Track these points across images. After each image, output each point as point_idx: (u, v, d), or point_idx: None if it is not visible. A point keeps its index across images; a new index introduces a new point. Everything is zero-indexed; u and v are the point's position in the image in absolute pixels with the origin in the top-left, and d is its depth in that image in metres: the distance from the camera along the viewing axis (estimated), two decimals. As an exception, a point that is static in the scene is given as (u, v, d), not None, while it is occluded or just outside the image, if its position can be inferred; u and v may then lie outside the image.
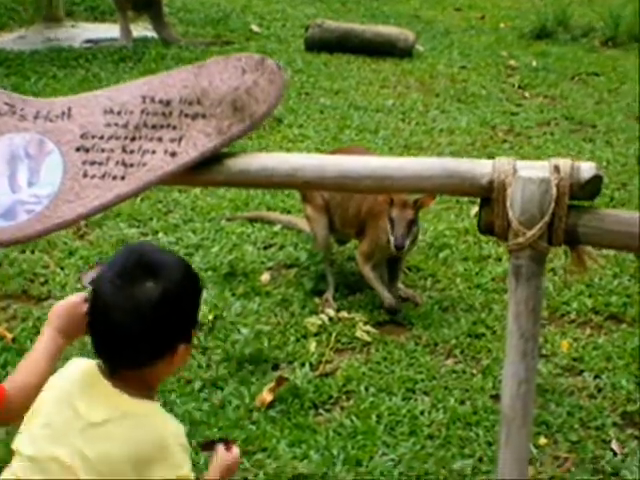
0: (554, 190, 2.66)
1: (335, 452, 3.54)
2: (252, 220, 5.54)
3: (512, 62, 9.01)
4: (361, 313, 4.55)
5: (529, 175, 2.66)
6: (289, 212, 5.65)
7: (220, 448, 2.47)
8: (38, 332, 3.66)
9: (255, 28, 9.93)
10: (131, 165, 2.85)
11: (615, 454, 3.59)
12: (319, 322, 4.43)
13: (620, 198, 5.97)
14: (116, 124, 2.92)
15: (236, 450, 2.48)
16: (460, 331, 4.43)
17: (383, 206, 4.32)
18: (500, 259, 5.13)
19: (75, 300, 2.43)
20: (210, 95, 2.90)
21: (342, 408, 3.88)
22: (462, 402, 3.91)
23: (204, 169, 2.85)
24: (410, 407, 3.85)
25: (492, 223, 2.78)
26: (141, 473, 2.07)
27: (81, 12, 10.46)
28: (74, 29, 9.79)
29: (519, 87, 8.38)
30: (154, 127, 2.91)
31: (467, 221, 5.61)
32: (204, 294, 4.65)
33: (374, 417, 3.77)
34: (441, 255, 5.18)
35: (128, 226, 5.44)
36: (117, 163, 2.86)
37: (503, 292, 4.73)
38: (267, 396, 3.85)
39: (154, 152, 2.85)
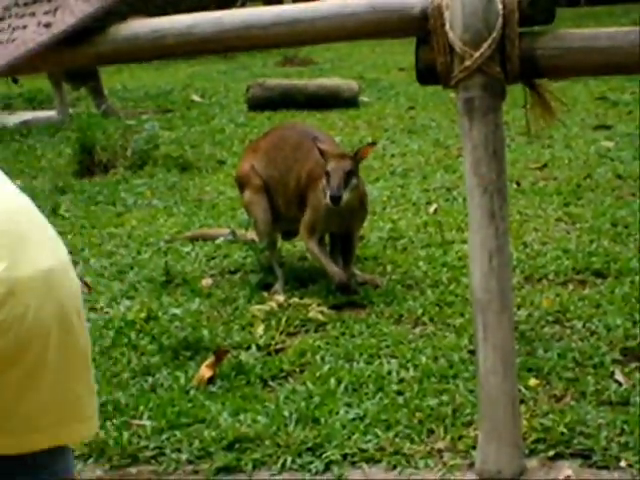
0: (499, 3, 2.22)
1: (287, 414, 2.95)
2: (193, 240, 5.04)
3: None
4: (315, 299, 4.01)
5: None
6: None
7: None
8: None
9: (196, 98, 9.66)
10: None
11: (620, 385, 3.04)
12: (267, 308, 3.89)
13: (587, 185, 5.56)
14: (-18, 8, 2.48)
15: None
16: (427, 301, 3.90)
17: (321, 168, 3.86)
18: (465, 242, 4.63)
19: None
20: (87, -40, 2.47)
21: (295, 380, 3.30)
22: (435, 359, 3.35)
23: (85, 43, 2.41)
24: (374, 369, 3.28)
25: (432, 63, 2.33)
26: None
27: (19, 104, 10.18)
28: (10, 116, 9.45)
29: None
30: (26, 4, 2.47)
31: (426, 217, 5.15)
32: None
33: (333, 381, 3.20)
34: (399, 244, 4.69)
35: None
36: (-19, 44, 2.41)
37: (472, 268, 4.22)
38: (205, 372, 3.27)
39: (25, 27, 2.41)
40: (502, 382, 2.45)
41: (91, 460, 2.83)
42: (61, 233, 5.17)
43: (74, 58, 2.43)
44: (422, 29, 2.29)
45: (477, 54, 2.19)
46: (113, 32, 2.38)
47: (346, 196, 3.77)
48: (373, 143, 4.11)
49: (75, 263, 4.83)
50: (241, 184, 4.34)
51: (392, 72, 11.16)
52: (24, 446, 1.90)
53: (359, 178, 3.90)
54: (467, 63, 2.20)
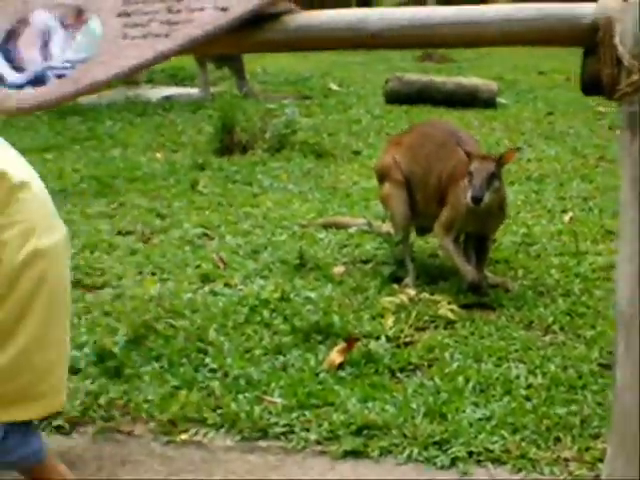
0: (674, 19, 2.21)
1: (414, 406, 3.01)
2: (327, 226, 5.13)
3: (601, 108, 8.55)
4: (445, 296, 4.04)
5: (643, 0, 2.22)
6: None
7: None
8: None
9: (334, 87, 9.77)
10: (176, 23, 2.52)
11: None
12: (397, 301, 3.94)
13: None
14: (162, -14, 2.60)
15: None
16: (558, 310, 3.88)
17: (464, 167, 3.88)
18: (600, 254, 4.59)
19: None
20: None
21: (423, 374, 3.35)
22: (564, 368, 3.34)
23: (258, 28, 2.50)
24: (503, 372, 3.30)
25: (598, 75, 2.33)
26: None
27: (161, 79, 10.50)
28: (153, 90, 9.77)
29: (609, 128, 7.89)
30: (204, -14, 2.58)
31: (560, 225, 5.10)
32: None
33: (461, 379, 3.24)
34: (532, 250, 4.67)
35: (192, 227, 5.08)
36: (161, 23, 2.54)
37: (606, 280, 4.18)
38: (336, 358, 3.36)
39: (202, 9, 2.52)
40: (638, 398, 2.44)
41: (223, 430, 2.96)
42: (199, 208, 5.36)
43: (244, 43, 2.50)
44: (591, 40, 2.29)
45: (647, 69, 2.18)
46: (286, 21, 2.46)
47: (487, 197, 3.79)
48: (518, 148, 4.13)
49: (211, 239, 5.00)
50: (381, 176, 4.40)
51: (531, 75, 11.02)
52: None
53: (501, 182, 3.91)
54: (635, 77, 2.20)
